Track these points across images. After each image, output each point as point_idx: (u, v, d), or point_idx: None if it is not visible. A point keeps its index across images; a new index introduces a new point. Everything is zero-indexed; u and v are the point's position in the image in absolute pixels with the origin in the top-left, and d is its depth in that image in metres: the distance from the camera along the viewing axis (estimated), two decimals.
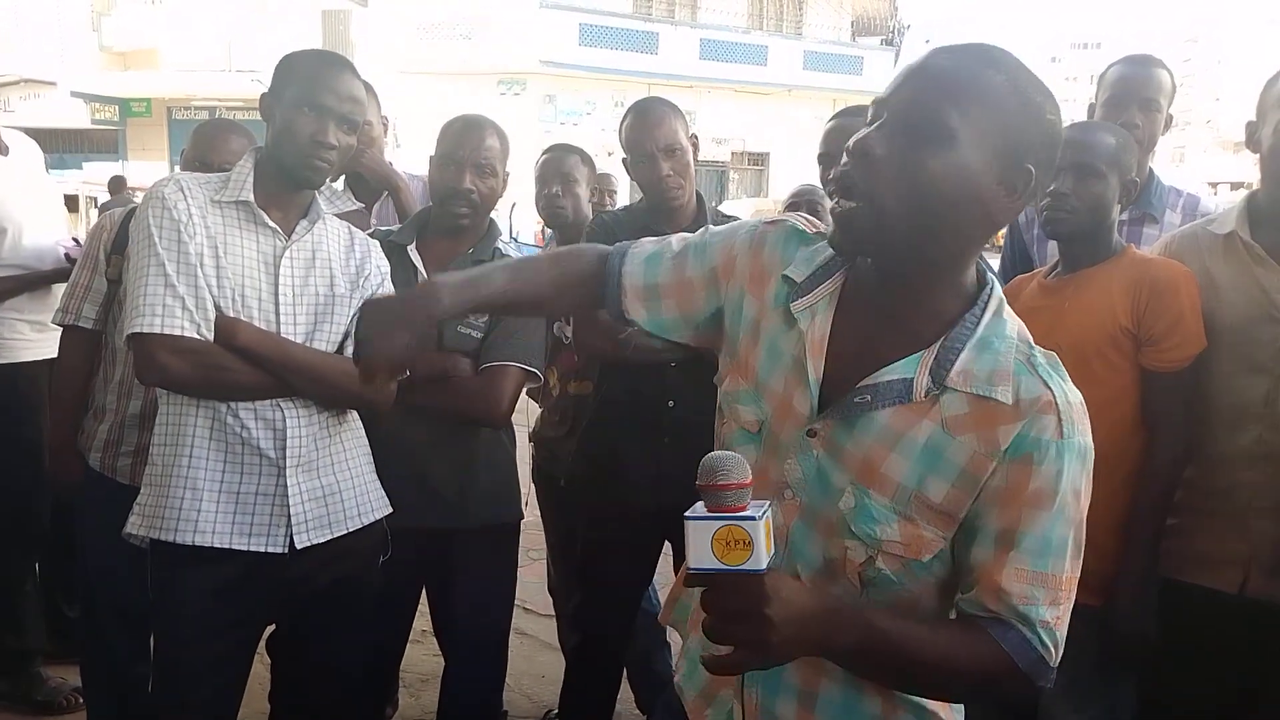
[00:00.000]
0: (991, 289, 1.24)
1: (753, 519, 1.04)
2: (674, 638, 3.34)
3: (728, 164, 25.25)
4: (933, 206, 1.15)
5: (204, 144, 2.71)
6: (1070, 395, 1.19)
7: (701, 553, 1.05)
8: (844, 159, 1.20)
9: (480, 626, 2.57)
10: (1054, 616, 1.17)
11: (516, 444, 2.65)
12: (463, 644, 2.59)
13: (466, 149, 2.42)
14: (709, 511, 1.06)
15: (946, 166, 1.14)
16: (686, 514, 1.06)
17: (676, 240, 1.47)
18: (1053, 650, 1.18)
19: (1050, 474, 1.16)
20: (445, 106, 2.92)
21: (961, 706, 1.36)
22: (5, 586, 3.20)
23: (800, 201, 3.92)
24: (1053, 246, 2.44)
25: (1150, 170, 2.73)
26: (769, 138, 25.02)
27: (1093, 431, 2.09)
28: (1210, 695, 2.10)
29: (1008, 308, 1.25)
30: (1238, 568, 2.08)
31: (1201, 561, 2.12)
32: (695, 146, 2.70)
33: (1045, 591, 1.16)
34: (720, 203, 17.87)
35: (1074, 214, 2.17)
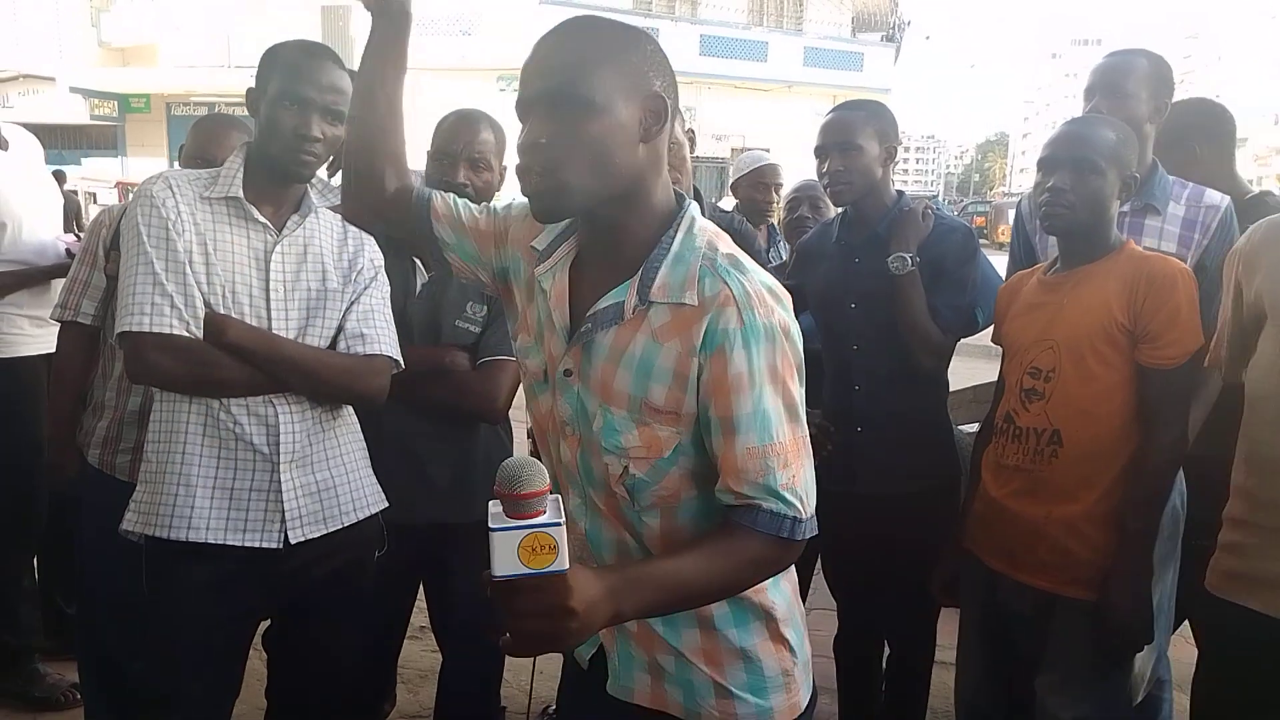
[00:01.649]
0: (685, 210, 1.42)
1: (557, 524, 1.11)
2: None
3: (728, 160, 25.22)
4: (605, 161, 1.32)
5: (205, 140, 2.69)
6: (748, 285, 1.34)
7: (507, 561, 1.11)
8: (519, 160, 1.37)
9: (478, 622, 2.56)
10: (789, 477, 1.33)
11: (514, 439, 2.65)
12: (461, 639, 2.58)
13: (460, 144, 2.42)
14: (509, 518, 1.11)
15: (603, 127, 1.31)
16: (490, 525, 1.11)
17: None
18: (799, 505, 1.33)
19: (741, 359, 1.31)
20: (444, 102, 2.91)
21: (776, 585, 1.49)
22: (2, 583, 3.20)
23: (802, 197, 3.90)
24: (1054, 241, 2.43)
25: (1154, 161, 2.73)
26: (769, 134, 24.90)
27: (1089, 428, 2.12)
28: None
29: (700, 223, 1.42)
30: None
31: (1250, 581, 1.90)
32: (690, 141, 2.69)
33: (775, 459, 1.32)
34: (720, 199, 17.87)
35: (1071, 209, 2.16)
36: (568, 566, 1.12)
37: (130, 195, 2.07)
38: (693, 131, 2.71)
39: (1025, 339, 2.26)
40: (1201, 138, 2.97)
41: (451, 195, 1.63)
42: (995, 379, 2.43)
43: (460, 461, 2.45)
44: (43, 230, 3.18)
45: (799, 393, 1.38)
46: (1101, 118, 2.37)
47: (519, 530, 1.10)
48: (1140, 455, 2.12)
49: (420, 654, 3.47)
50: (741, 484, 1.32)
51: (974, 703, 2.43)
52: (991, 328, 2.49)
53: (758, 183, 4.17)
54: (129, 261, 1.93)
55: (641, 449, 1.37)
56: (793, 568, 1.49)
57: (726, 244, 1.42)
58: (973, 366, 3.74)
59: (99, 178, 17.60)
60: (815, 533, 1.36)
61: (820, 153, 2.61)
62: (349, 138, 1.63)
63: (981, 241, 3.38)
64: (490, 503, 1.13)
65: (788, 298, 1.40)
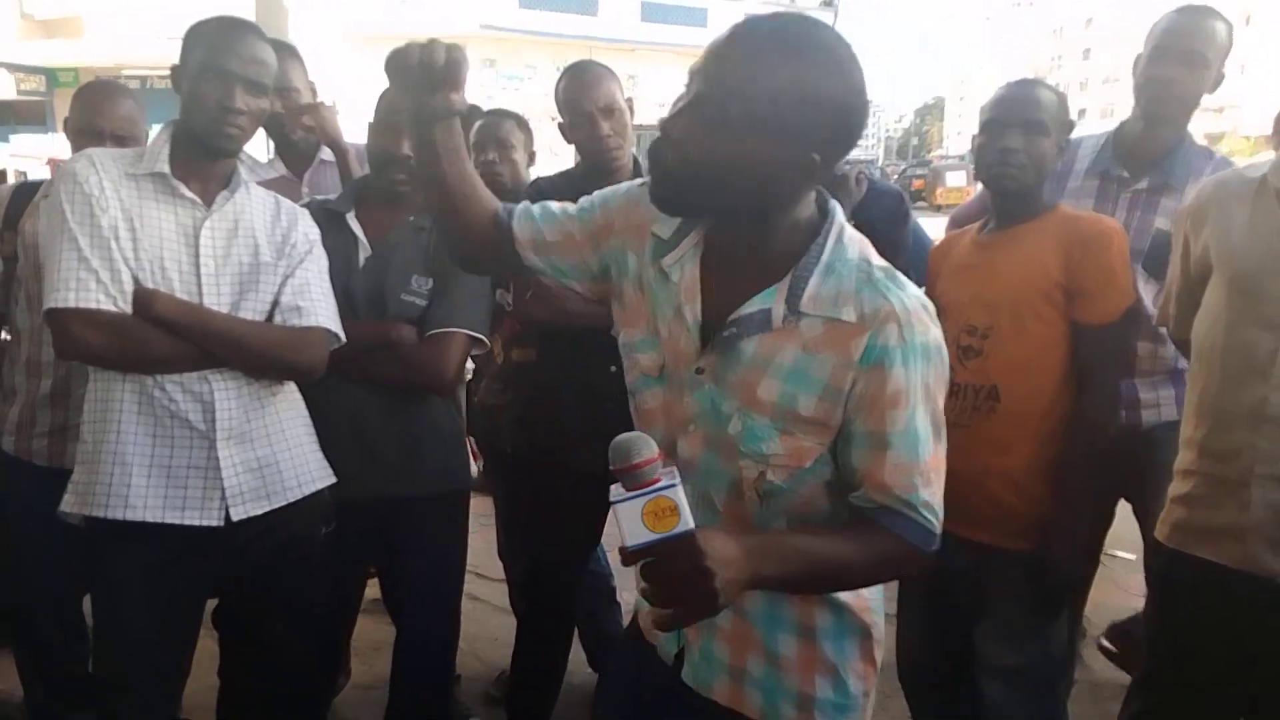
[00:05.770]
0: (832, 219, 1.38)
1: (673, 485, 1.15)
2: (623, 597, 3.38)
3: None
4: (728, 175, 1.30)
5: (90, 109, 2.54)
6: (908, 302, 1.32)
7: (635, 529, 1.14)
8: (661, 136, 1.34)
9: (432, 593, 2.57)
10: (930, 494, 1.34)
11: (462, 411, 2.65)
12: (415, 611, 2.59)
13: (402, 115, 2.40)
14: (628, 491, 1.15)
15: (733, 149, 1.27)
16: (612, 500, 1.16)
17: (559, 205, 1.60)
18: (935, 521, 1.35)
19: (900, 376, 1.30)
20: (384, 73, 2.86)
21: (879, 598, 1.52)
22: None
23: None
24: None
25: (1187, 134, 2.62)
26: None
27: (1026, 383, 2.16)
28: (1212, 674, 1.96)
29: (849, 233, 1.40)
30: (1237, 541, 1.88)
31: (1203, 532, 1.94)
32: (631, 110, 2.69)
33: (919, 477, 1.33)
34: None
35: (1022, 170, 2.18)
36: (693, 525, 1.14)
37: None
38: (632, 100, 2.71)
39: (960, 298, 2.29)
40: None
41: (533, 213, 1.57)
42: None
43: (408, 435, 2.44)
44: None
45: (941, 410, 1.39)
46: (1039, 81, 2.34)
47: (639, 498, 1.14)
48: (1077, 411, 2.17)
49: (374, 627, 3.47)
50: (884, 496, 1.33)
51: (915, 657, 2.48)
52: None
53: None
54: (53, 240, 1.90)
55: (783, 457, 1.36)
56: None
57: (875, 254, 1.39)
58: None
59: (29, 154, 17.09)
60: (938, 547, 1.37)
61: None
62: (430, 202, 1.59)
63: (920, 204, 3.40)
64: (612, 486, 1.17)
65: (934, 312, 1.38)
